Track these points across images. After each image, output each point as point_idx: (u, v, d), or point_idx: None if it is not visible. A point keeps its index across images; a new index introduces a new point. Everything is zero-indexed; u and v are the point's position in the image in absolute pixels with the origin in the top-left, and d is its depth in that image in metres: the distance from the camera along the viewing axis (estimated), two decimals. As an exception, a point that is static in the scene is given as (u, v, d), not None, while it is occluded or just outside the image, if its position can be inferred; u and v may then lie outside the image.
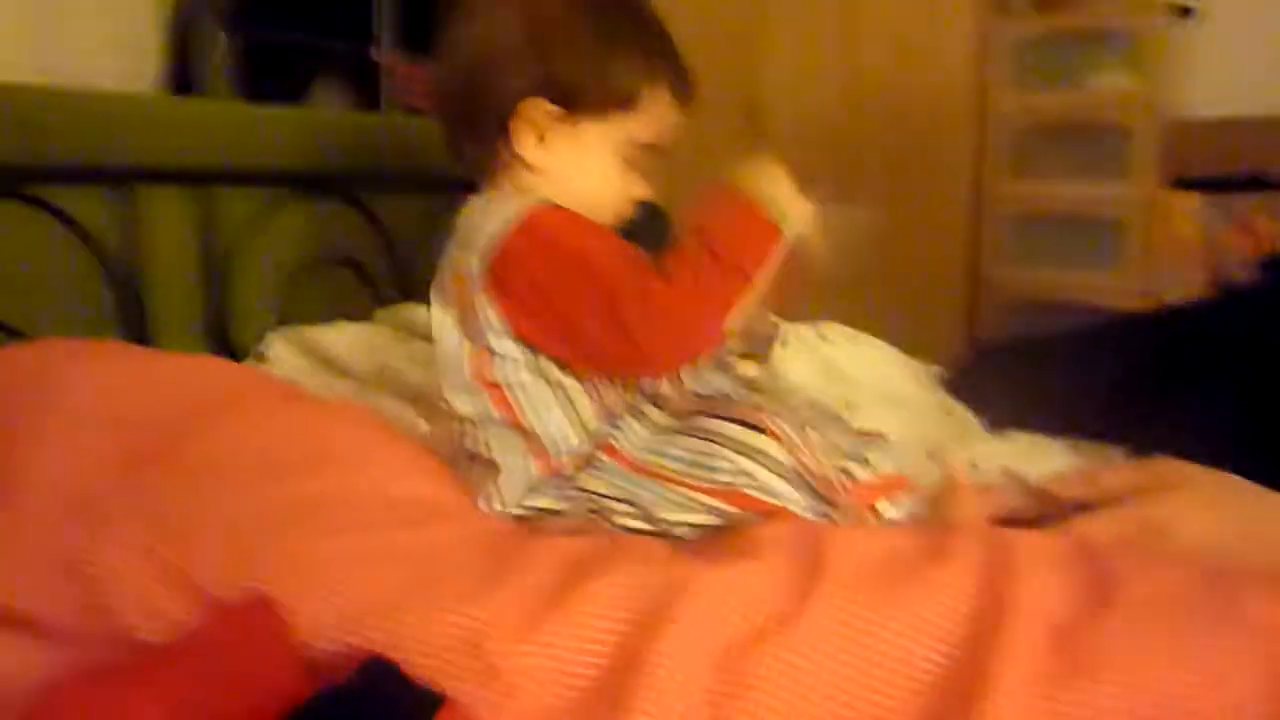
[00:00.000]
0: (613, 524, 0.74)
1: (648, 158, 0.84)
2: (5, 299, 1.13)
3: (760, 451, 0.72)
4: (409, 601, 0.60)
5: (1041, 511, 0.76)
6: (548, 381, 0.78)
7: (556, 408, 0.78)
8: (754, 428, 0.73)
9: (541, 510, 0.77)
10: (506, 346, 0.77)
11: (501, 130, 0.80)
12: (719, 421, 0.74)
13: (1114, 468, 0.80)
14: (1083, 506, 0.73)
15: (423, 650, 0.57)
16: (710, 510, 0.72)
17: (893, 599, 0.57)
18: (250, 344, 1.35)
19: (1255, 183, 2.11)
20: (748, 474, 0.72)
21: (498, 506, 0.78)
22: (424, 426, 0.88)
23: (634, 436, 0.77)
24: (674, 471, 0.73)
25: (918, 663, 0.55)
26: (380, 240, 1.54)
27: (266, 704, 0.53)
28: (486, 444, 0.79)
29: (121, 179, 1.23)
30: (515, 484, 0.78)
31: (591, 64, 0.79)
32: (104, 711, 0.52)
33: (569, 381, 0.78)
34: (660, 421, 0.78)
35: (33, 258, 1.17)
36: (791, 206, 0.76)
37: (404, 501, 0.74)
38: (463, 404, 0.80)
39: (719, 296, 0.74)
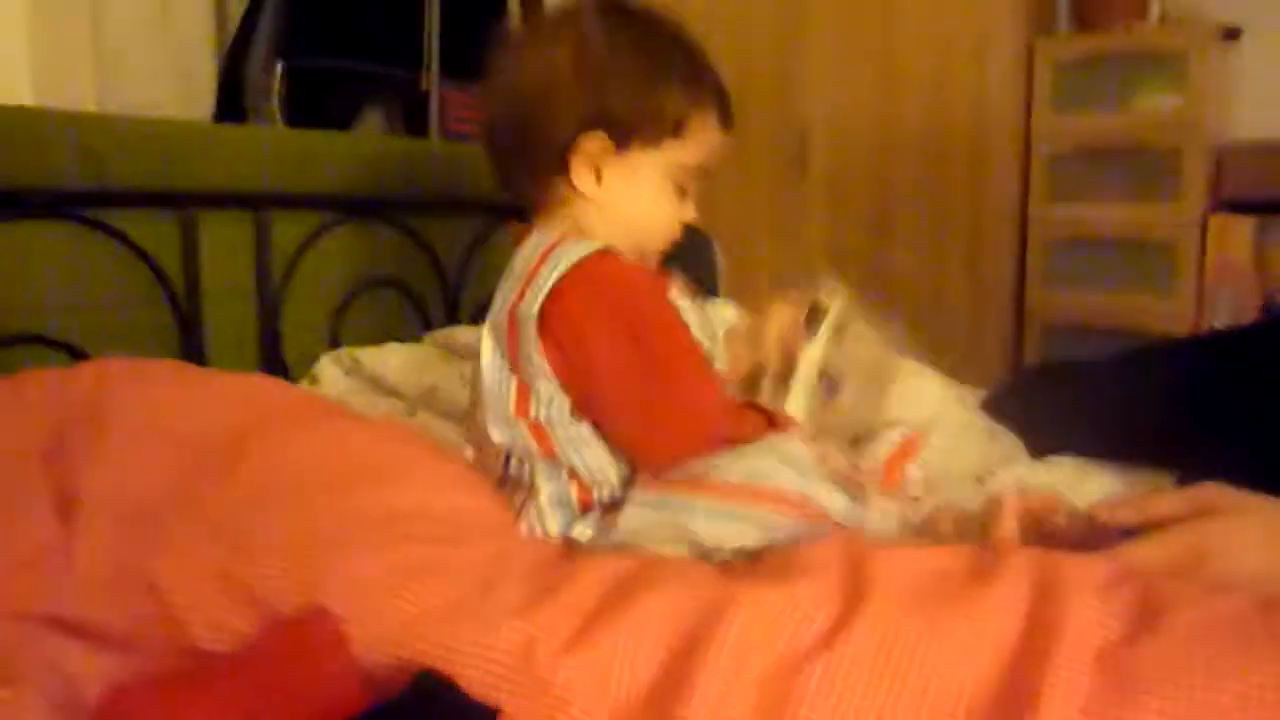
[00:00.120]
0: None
1: (696, 181, 0.85)
2: (68, 319, 1.17)
3: (792, 455, 0.74)
4: (460, 615, 0.61)
5: (1089, 536, 0.76)
6: (587, 423, 0.79)
7: (598, 444, 0.79)
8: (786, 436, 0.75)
9: (580, 544, 0.78)
10: (549, 388, 0.78)
11: (557, 164, 0.81)
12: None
13: (1162, 493, 0.79)
14: (1130, 532, 0.73)
15: (474, 664, 0.59)
16: (758, 524, 0.72)
17: (939, 621, 0.57)
18: (302, 364, 1.38)
19: (1304, 205, 2.08)
20: (784, 477, 0.73)
21: (539, 531, 0.79)
22: (469, 450, 0.89)
23: None
24: (721, 476, 0.74)
25: (964, 685, 0.55)
26: (428, 263, 1.57)
27: (322, 715, 0.55)
28: (530, 471, 0.80)
29: (179, 203, 1.27)
30: (556, 514, 0.79)
31: (643, 95, 0.80)
32: (166, 716, 0.54)
33: None
34: None
35: (94, 279, 1.21)
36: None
37: (453, 518, 0.75)
38: (503, 435, 0.81)
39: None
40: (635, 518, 0.75)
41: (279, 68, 2.07)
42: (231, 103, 2.16)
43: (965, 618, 0.58)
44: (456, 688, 0.56)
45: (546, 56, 0.82)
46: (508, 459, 0.82)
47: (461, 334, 1.40)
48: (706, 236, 1.65)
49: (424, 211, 1.56)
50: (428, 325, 1.54)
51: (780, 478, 0.73)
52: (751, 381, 0.94)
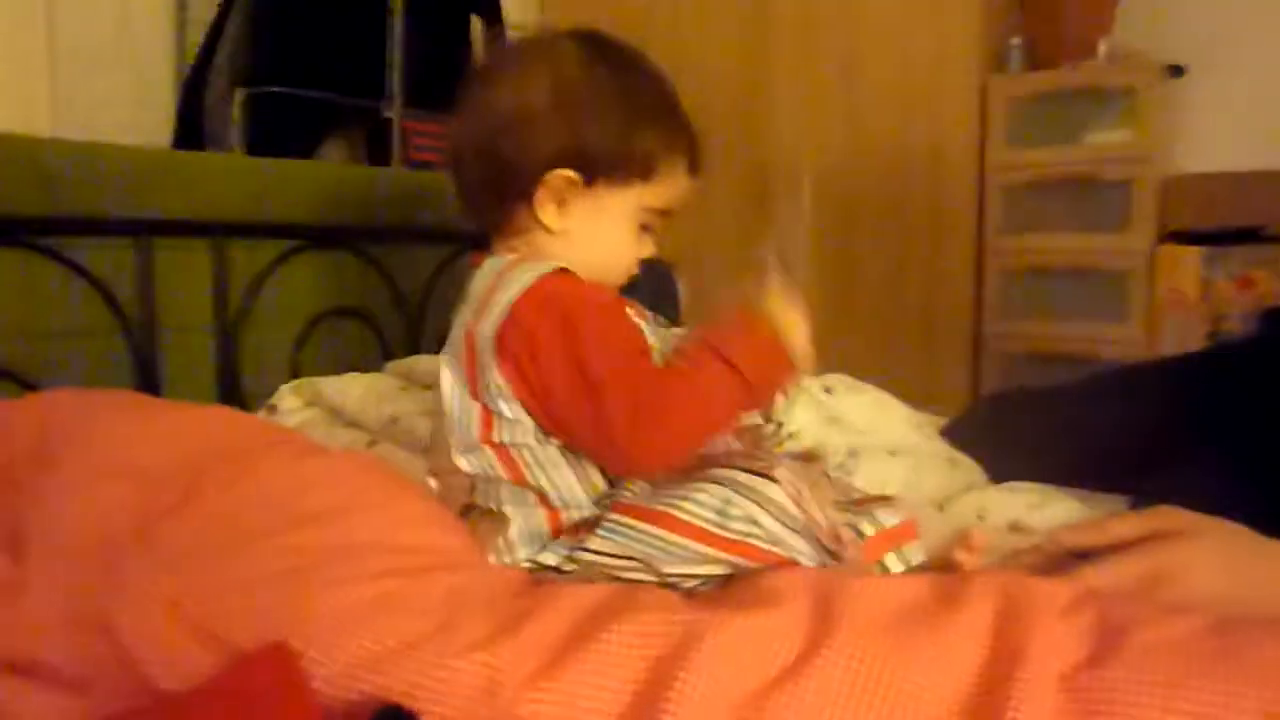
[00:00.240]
0: (622, 581, 0.73)
1: (659, 222, 0.86)
2: (19, 349, 1.15)
3: (770, 500, 0.72)
4: (422, 650, 0.60)
5: (1050, 560, 0.76)
6: (555, 444, 0.78)
7: (566, 467, 0.78)
8: (764, 476, 0.74)
9: (549, 569, 0.77)
10: (514, 410, 0.77)
11: (523, 195, 0.81)
12: (731, 470, 0.75)
13: (1121, 517, 0.80)
14: (1090, 555, 0.74)
15: (437, 699, 0.58)
16: (727, 565, 0.71)
17: (907, 646, 0.58)
18: (261, 394, 1.36)
19: (1248, 235, 2.15)
20: (758, 523, 0.71)
21: (507, 560, 0.78)
22: (432, 481, 0.88)
23: (643, 491, 0.77)
24: (686, 515, 0.72)
25: (931, 708, 0.55)
26: (390, 293, 1.56)
27: (282, 752, 0.54)
28: (497, 499, 0.79)
29: (136, 231, 1.25)
30: (525, 539, 0.78)
31: (616, 135, 0.80)
32: (121, 759, 0.52)
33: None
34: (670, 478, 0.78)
35: (47, 307, 1.19)
36: (806, 356, 0.78)
37: (416, 550, 0.74)
38: (469, 464, 0.80)
39: (721, 406, 0.76)
40: (604, 544, 0.74)
41: (239, 96, 2.05)
42: (191, 131, 2.14)
43: (932, 643, 0.58)
44: (420, 722, 0.56)
45: (524, 85, 0.81)
46: (473, 488, 0.81)
47: (422, 364, 1.39)
48: (668, 267, 1.66)
49: (385, 241, 1.56)
50: (389, 355, 1.53)
51: (752, 529, 0.71)
52: None
